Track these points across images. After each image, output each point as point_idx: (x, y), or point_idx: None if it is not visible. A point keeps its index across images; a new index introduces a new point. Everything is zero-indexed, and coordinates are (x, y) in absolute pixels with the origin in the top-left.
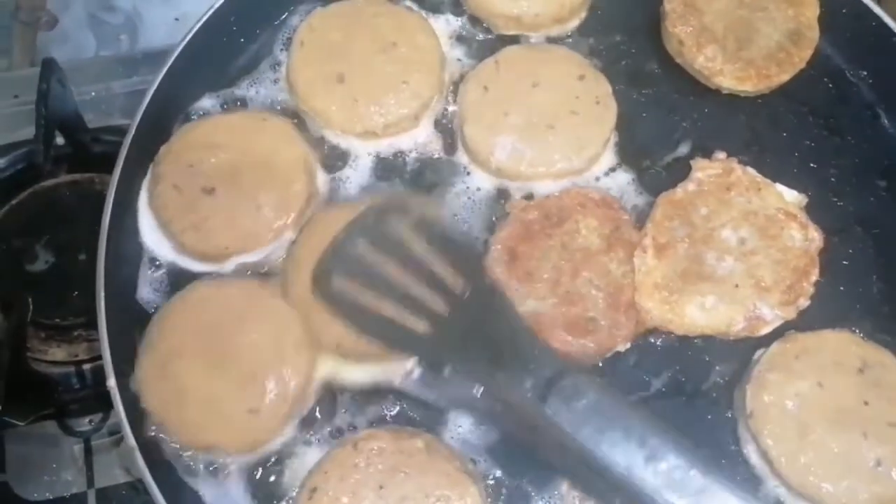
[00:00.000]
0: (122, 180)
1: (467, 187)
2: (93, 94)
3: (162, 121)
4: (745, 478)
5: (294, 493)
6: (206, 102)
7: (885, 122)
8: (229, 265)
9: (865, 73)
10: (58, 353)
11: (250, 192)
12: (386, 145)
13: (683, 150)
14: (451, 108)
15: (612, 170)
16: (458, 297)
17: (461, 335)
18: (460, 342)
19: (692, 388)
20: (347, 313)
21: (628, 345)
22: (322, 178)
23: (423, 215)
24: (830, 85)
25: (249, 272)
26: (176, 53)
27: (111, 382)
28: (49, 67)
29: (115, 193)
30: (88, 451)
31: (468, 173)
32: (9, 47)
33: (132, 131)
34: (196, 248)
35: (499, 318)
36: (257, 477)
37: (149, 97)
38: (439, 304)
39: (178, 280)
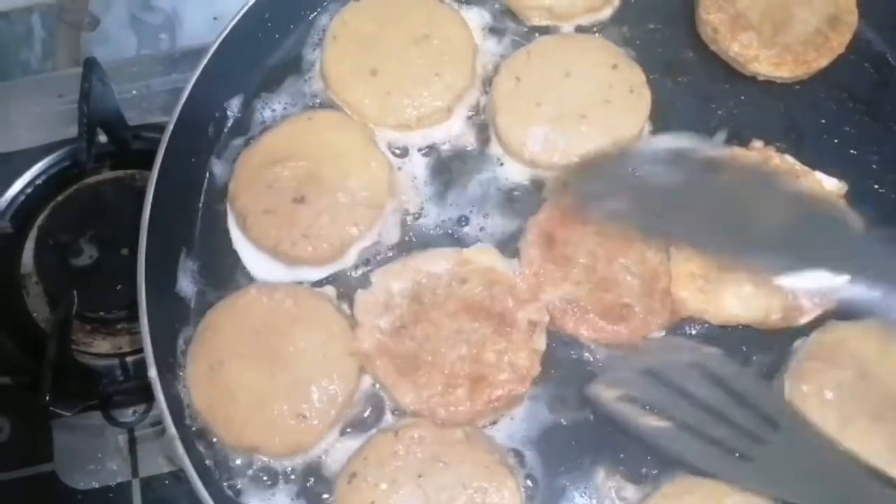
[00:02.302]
0: (161, 175)
1: (501, 178)
2: (133, 92)
3: (199, 117)
4: None
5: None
6: (243, 100)
7: None
8: (350, 259)
9: None
10: (102, 345)
11: (338, 184)
12: (419, 138)
13: (720, 138)
14: (483, 100)
15: None
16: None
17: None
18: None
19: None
20: None
21: (662, 332)
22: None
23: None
24: (871, 70)
25: (371, 265)
26: (212, 51)
27: (152, 373)
28: (91, 67)
29: (155, 188)
30: (132, 441)
31: (501, 164)
32: (53, 48)
33: (170, 128)
34: (314, 255)
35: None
36: (300, 477)
37: (186, 95)
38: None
39: (216, 275)
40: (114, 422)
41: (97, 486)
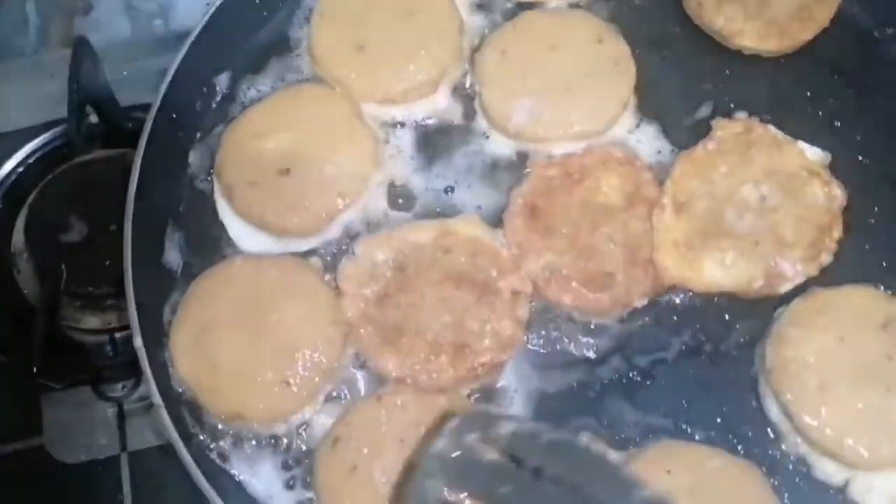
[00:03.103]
0: (148, 149)
1: (486, 151)
2: (125, 73)
3: (187, 93)
4: (767, 435)
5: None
6: (231, 77)
7: None
8: (335, 230)
9: (892, 30)
10: (91, 321)
11: (324, 157)
12: (406, 111)
13: (705, 111)
14: (469, 75)
15: (632, 131)
16: None
17: None
18: None
19: (713, 348)
20: None
21: (645, 301)
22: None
23: (518, 431)
24: (856, 43)
25: (356, 236)
26: (200, 28)
27: (138, 342)
28: (81, 46)
29: (142, 161)
30: (121, 416)
31: (487, 137)
32: (47, 35)
33: (157, 103)
34: (299, 226)
35: None
36: (285, 444)
37: (173, 70)
38: None
39: (202, 247)
40: (103, 396)
41: (86, 459)
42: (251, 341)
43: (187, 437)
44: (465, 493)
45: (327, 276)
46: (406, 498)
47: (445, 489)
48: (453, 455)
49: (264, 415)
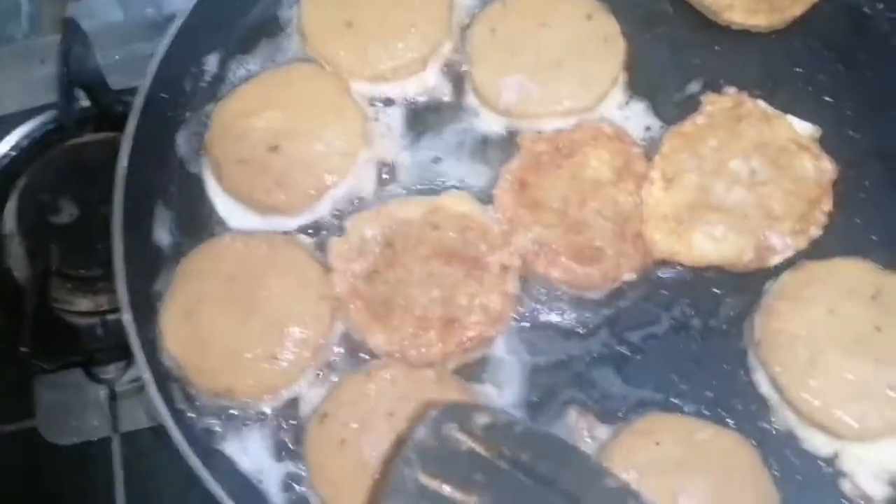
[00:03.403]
0: (138, 128)
1: (477, 128)
2: (117, 57)
3: (176, 73)
4: (757, 407)
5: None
6: (220, 57)
7: None
8: (325, 207)
9: (882, 5)
10: (83, 303)
11: (312, 134)
12: (396, 89)
13: (695, 87)
14: (459, 52)
15: (622, 108)
16: None
17: None
18: None
19: (702, 322)
20: None
21: (634, 275)
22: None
23: (494, 421)
24: (846, 19)
25: (346, 213)
26: (190, 8)
27: (126, 317)
28: (70, 28)
29: (133, 141)
30: (113, 398)
31: (477, 115)
32: (39, 23)
33: (147, 83)
34: (288, 203)
35: None
36: (274, 419)
37: (163, 50)
38: None
39: (192, 225)
40: (95, 378)
41: (78, 441)
42: (240, 317)
43: (177, 414)
44: (442, 480)
45: (317, 253)
46: (386, 485)
47: (422, 476)
48: (432, 444)
49: (253, 390)
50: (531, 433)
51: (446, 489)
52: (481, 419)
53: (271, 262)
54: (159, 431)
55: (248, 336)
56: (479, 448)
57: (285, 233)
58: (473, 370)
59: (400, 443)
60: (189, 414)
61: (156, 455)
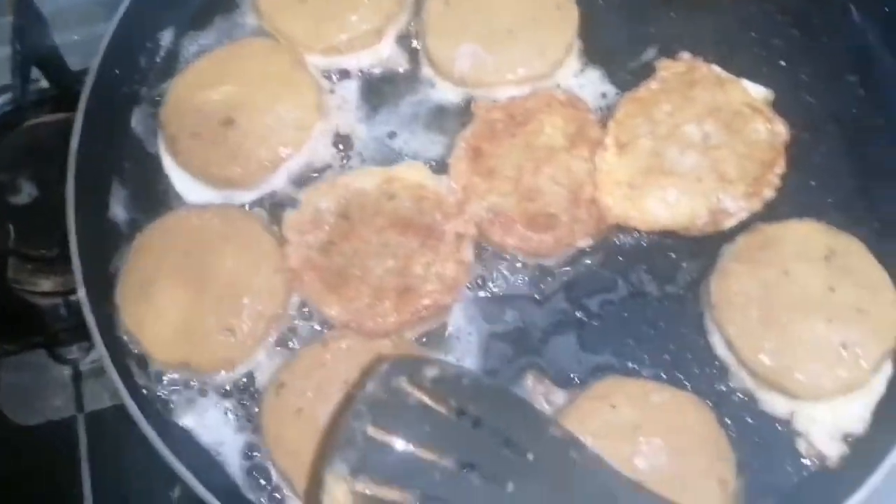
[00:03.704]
0: (91, 105)
1: (432, 99)
2: (76, 37)
3: (130, 48)
4: (714, 370)
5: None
6: (175, 33)
7: (856, 17)
8: (280, 180)
9: None
10: (45, 284)
11: (267, 108)
12: (351, 61)
13: (650, 54)
14: (413, 23)
15: (577, 75)
16: (522, 463)
17: None
18: None
19: (659, 286)
20: None
21: (589, 241)
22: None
23: (442, 373)
24: None
25: (301, 185)
26: None
27: (81, 293)
28: (22, 7)
29: (85, 117)
30: (77, 377)
31: (433, 86)
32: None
33: (99, 58)
34: (242, 176)
35: (584, 479)
36: (232, 392)
37: (112, 29)
38: (499, 480)
39: (148, 201)
40: (58, 359)
41: (43, 421)
42: (196, 291)
43: (134, 389)
44: (391, 432)
45: (272, 227)
46: (335, 437)
47: (371, 429)
48: (381, 397)
49: (210, 363)
50: (479, 384)
51: (396, 440)
52: (430, 372)
53: (226, 235)
54: (124, 410)
55: (203, 309)
56: (427, 400)
57: (241, 206)
58: (431, 339)
59: (350, 399)
60: (147, 389)
61: (121, 434)
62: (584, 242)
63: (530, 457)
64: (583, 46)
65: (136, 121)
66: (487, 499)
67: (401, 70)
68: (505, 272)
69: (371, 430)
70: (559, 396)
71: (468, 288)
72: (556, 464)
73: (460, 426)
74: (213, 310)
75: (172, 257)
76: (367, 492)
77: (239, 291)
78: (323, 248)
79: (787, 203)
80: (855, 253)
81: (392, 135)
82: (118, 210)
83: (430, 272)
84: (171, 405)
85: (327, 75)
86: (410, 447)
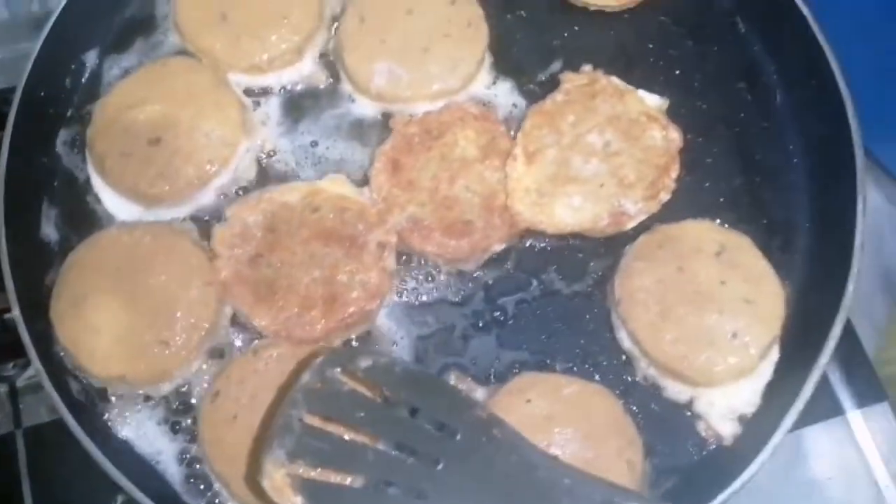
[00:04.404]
0: (18, 127)
1: (353, 113)
2: (0, 56)
3: (55, 70)
4: (621, 363)
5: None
6: (98, 53)
7: (742, 28)
8: (208, 196)
9: None
10: None
11: (192, 126)
12: (273, 79)
13: (556, 66)
14: (333, 41)
15: (489, 88)
16: (450, 443)
17: (468, 488)
18: (469, 498)
19: (569, 285)
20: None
21: (504, 245)
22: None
23: (374, 363)
24: None
25: (228, 201)
26: (62, 6)
27: (16, 312)
28: None
29: (12, 139)
30: (14, 394)
31: (353, 101)
32: None
33: (23, 80)
34: (170, 193)
35: (507, 453)
36: (169, 403)
37: (36, 51)
38: (429, 459)
39: (79, 220)
40: None
41: None
42: (129, 305)
43: (73, 404)
44: (326, 419)
45: (202, 241)
46: (272, 426)
47: (307, 416)
48: (316, 387)
49: (146, 376)
50: (409, 372)
51: (331, 426)
52: (363, 362)
53: (156, 251)
54: (62, 424)
55: (137, 324)
56: (361, 388)
57: (170, 222)
58: (360, 344)
59: (286, 391)
60: (85, 402)
61: (59, 448)
62: (499, 247)
63: (459, 437)
64: (493, 60)
65: (64, 141)
66: (421, 478)
67: (322, 86)
68: (426, 278)
69: (307, 418)
70: (480, 393)
71: (395, 294)
72: (481, 442)
73: (393, 412)
74: (147, 324)
75: (104, 274)
76: (305, 475)
77: (171, 305)
78: (252, 261)
79: (683, 203)
80: (743, 248)
81: (315, 147)
82: (49, 230)
83: (354, 280)
84: (109, 417)
85: (250, 92)
86: (345, 432)
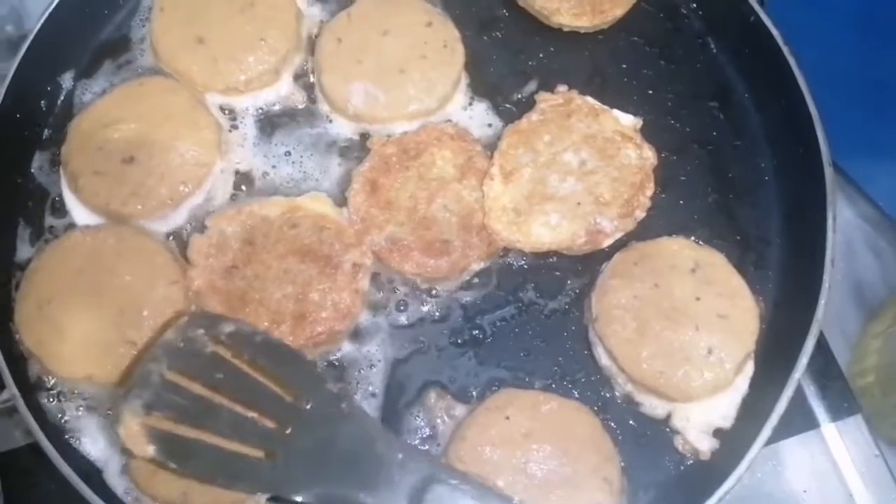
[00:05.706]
0: None
1: (331, 134)
2: None
3: (31, 91)
4: (599, 379)
5: None
6: (74, 75)
7: (714, 48)
8: (182, 216)
9: (695, 5)
10: None
11: (167, 146)
12: (250, 100)
13: (531, 87)
14: (310, 62)
15: (465, 109)
16: (301, 411)
17: (312, 454)
18: (313, 462)
19: (547, 303)
20: (170, 455)
21: (482, 264)
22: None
23: (237, 329)
24: (664, 18)
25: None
26: (37, 28)
27: None
28: None
29: None
30: None
31: (330, 121)
32: None
33: None
34: (143, 213)
35: (351, 426)
36: None
37: (11, 74)
38: (280, 423)
39: (53, 238)
40: None
41: None
42: (94, 306)
43: (48, 428)
44: (186, 376)
45: (171, 243)
46: (131, 379)
47: (167, 372)
48: (178, 345)
49: (113, 375)
50: (269, 342)
51: (189, 384)
52: (227, 327)
53: (119, 252)
54: (36, 448)
55: (103, 324)
56: (222, 351)
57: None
58: (342, 360)
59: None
60: (61, 426)
61: (35, 472)
62: (477, 266)
63: (308, 406)
64: (469, 81)
65: (39, 164)
66: (270, 440)
67: (299, 106)
68: (406, 297)
69: (168, 374)
70: (459, 410)
71: (375, 312)
72: (329, 412)
73: (249, 376)
74: (113, 324)
75: (69, 276)
76: (159, 426)
77: (137, 305)
78: (226, 272)
79: (659, 221)
80: (717, 265)
81: (293, 167)
82: (25, 251)
83: (326, 300)
84: (85, 441)
85: (227, 113)
86: (202, 390)
